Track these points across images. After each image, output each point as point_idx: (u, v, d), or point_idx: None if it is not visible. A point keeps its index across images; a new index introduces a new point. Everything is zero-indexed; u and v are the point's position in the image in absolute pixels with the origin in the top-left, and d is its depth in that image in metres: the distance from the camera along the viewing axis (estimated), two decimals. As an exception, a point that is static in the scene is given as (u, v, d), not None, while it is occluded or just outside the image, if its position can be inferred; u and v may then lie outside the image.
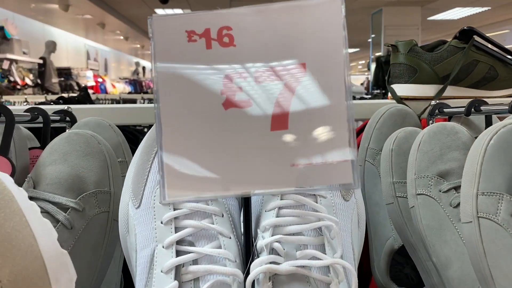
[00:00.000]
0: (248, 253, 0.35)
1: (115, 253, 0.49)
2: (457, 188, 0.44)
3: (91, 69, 6.48)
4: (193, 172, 0.28)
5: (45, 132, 0.49)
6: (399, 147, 0.54)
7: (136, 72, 9.33)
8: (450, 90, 0.69)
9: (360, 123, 0.79)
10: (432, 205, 0.46)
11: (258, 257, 0.34)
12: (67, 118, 0.56)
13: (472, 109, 0.53)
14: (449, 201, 0.44)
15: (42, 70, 5.02)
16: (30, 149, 0.49)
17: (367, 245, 0.65)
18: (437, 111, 0.61)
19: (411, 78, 0.68)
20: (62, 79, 5.40)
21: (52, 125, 0.52)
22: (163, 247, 0.35)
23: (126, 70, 9.98)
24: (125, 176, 0.41)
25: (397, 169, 0.53)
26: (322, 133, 0.28)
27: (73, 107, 0.61)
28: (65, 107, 0.58)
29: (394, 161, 0.54)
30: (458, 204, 0.43)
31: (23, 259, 0.26)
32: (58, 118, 0.55)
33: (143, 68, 10.02)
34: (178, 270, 0.34)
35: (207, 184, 0.29)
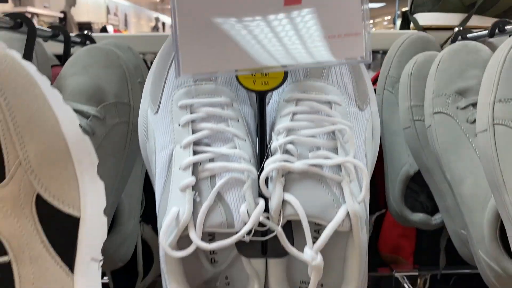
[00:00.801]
0: (262, 156, 0.36)
1: (137, 168, 0.51)
2: (474, 104, 0.44)
3: (111, 24, 6.46)
4: (206, 49, 0.29)
5: (66, 49, 0.50)
6: (418, 71, 0.53)
7: (156, 27, 9.26)
8: (475, 20, 0.67)
9: (379, 57, 0.78)
10: (449, 122, 0.46)
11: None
12: (87, 42, 0.57)
13: (496, 30, 0.51)
14: (466, 117, 0.44)
15: (63, 24, 5.03)
16: (51, 66, 0.50)
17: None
18: (459, 37, 0.60)
19: (435, 6, 0.66)
20: (83, 33, 5.40)
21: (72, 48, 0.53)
22: (180, 147, 0.36)
23: (146, 26, 9.91)
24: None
25: (415, 93, 0.53)
26: (335, 7, 0.28)
27: (93, 35, 0.62)
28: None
29: (412, 85, 0.53)
30: (475, 120, 0.42)
31: (47, 139, 0.28)
32: (78, 40, 0.55)
33: (163, 24, 9.93)
34: (195, 168, 0.35)
35: (220, 60, 0.29)
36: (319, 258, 0.32)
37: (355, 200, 0.33)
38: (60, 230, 0.28)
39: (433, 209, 0.61)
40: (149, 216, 0.59)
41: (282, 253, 0.34)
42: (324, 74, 0.38)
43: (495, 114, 0.36)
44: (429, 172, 0.53)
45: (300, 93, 0.37)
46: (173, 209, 0.34)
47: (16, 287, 0.26)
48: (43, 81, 0.28)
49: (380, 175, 0.66)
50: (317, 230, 0.37)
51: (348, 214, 0.33)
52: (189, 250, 0.33)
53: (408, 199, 0.63)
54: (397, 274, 0.71)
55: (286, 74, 0.35)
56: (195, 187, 0.34)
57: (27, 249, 0.27)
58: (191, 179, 0.34)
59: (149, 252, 0.60)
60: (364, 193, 0.34)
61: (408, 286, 0.70)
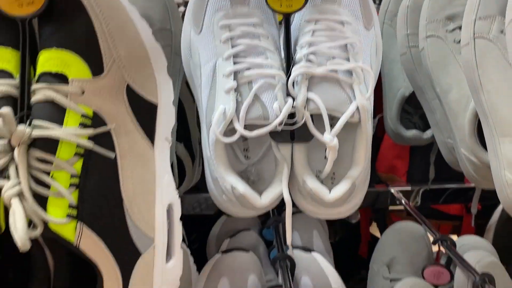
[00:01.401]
0: (288, 65, 0.45)
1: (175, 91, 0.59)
2: (461, 27, 0.53)
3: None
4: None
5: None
6: (414, 3, 0.61)
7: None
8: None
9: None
10: (439, 43, 0.54)
11: (297, 65, 0.43)
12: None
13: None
14: (454, 38, 0.53)
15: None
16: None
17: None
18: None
19: None
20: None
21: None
22: (222, 59, 0.44)
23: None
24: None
25: (411, 23, 0.61)
26: None
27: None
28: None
29: (409, 16, 0.61)
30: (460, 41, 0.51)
31: (132, 44, 0.36)
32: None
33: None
34: (235, 75, 0.43)
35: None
36: (335, 141, 0.41)
37: (363, 97, 0.43)
38: (144, 113, 0.37)
39: (424, 127, 0.71)
40: (181, 135, 0.68)
41: (307, 138, 0.43)
42: (337, 0, 0.46)
43: (476, 29, 0.45)
44: (422, 91, 0.62)
45: (318, 15, 0.45)
46: (220, 106, 0.43)
47: (116, 151, 0.35)
48: (125, 2, 0.36)
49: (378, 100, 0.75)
50: (332, 125, 0.47)
51: (357, 108, 0.42)
52: (235, 137, 0.42)
53: (403, 120, 0.72)
54: (392, 189, 0.81)
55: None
56: (236, 90, 0.43)
57: (122, 125, 0.36)
58: (233, 83, 0.43)
59: (181, 167, 0.70)
60: (370, 91, 0.43)
61: (402, 198, 0.80)
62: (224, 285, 0.60)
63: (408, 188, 0.82)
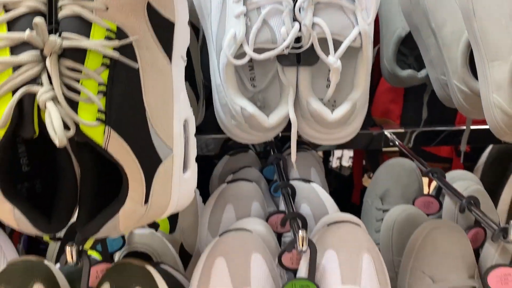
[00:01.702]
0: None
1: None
2: (457, -37, 0.55)
3: None
4: None
5: None
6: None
7: None
8: None
9: None
10: (436, -20, 0.57)
11: None
12: None
13: None
14: (450, -27, 0.55)
15: None
16: None
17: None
18: None
19: None
20: None
21: None
22: (232, -13, 0.47)
23: None
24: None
25: (409, -37, 0.64)
26: None
27: None
28: None
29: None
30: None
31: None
32: None
33: None
34: (245, 1, 0.46)
35: None
36: (338, 63, 0.45)
37: (365, 22, 0.46)
38: (162, 30, 0.40)
39: (419, 68, 0.74)
40: (186, 75, 0.71)
41: (312, 61, 0.46)
42: None
43: (471, -39, 0.48)
44: (418, 30, 0.65)
45: None
46: (231, 30, 0.45)
47: (138, 63, 0.38)
48: None
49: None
50: (335, 50, 0.50)
51: (359, 33, 0.45)
52: (245, 60, 0.45)
53: (399, 62, 0.76)
54: (386, 131, 0.85)
55: None
56: (245, 15, 0.46)
57: (143, 39, 0.38)
58: (243, 8, 0.46)
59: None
60: (372, 17, 0.46)
61: (396, 140, 0.84)
62: (230, 211, 0.64)
63: (402, 130, 0.86)
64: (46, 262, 0.51)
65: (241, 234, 0.53)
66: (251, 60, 0.50)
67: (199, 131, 0.84)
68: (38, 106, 0.36)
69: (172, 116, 0.41)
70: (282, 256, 0.54)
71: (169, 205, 0.42)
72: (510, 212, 0.80)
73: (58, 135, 0.34)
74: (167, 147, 0.41)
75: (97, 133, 0.36)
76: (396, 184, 0.73)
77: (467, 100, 0.56)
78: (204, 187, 0.84)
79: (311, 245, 0.50)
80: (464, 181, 0.68)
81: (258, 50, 0.46)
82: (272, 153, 0.79)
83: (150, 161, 0.39)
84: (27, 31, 0.35)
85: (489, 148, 0.90)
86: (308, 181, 0.69)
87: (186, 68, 0.70)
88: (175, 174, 0.42)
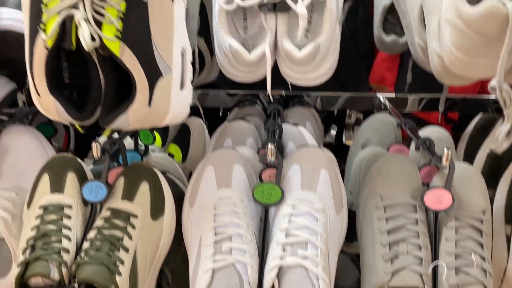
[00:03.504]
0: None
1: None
2: None
3: None
4: None
5: None
6: None
7: None
8: None
9: None
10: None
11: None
12: None
13: None
14: None
15: None
16: None
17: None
18: None
19: None
20: None
21: None
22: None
23: None
24: None
25: None
26: None
27: None
28: None
29: None
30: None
31: None
32: None
33: None
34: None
35: None
36: (304, 10, 0.57)
37: (328, -20, 0.58)
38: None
39: (402, 35, 0.84)
40: (202, 31, 0.85)
41: (284, 9, 0.59)
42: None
43: None
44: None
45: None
46: (223, -17, 0.59)
47: (148, 7, 0.52)
48: None
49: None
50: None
51: (324, -12, 0.58)
52: (233, 6, 0.58)
53: (388, 30, 0.86)
54: (379, 95, 0.96)
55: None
56: (236, -28, 0.59)
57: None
58: (234, -33, 0.59)
59: (202, 59, 0.87)
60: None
61: (387, 103, 0.95)
62: (228, 143, 0.78)
63: (392, 95, 0.96)
64: (78, 159, 0.67)
65: (228, 150, 0.67)
66: (245, 11, 0.64)
67: (216, 86, 0.99)
68: (76, 27, 0.51)
69: (172, 42, 0.55)
70: (261, 173, 0.67)
71: (168, 111, 0.56)
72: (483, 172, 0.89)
73: (87, 43, 0.49)
74: (167, 66, 0.55)
75: (115, 46, 0.51)
76: (375, 134, 0.84)
77: (423, 52, 0.67)
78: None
79: (279, 157, 0.62)
80: (433, 132, 0.78)
81: (244, 1, 0.59)
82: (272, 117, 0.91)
83: (153, 72, 0.54)
84: (72, -28, 0.50)
85: (477, 117, 0.98)
86: (296, 124, 0.82)
87: (201, 26, 0.85)
88: (173, 88, 0.56)
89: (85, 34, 0.49)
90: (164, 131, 0.93)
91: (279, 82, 0.78)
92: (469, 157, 0.90)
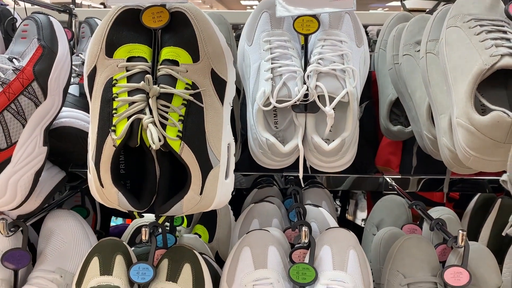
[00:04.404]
0: (305, 66, 0.71)
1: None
2: (424, 48, 0.78)
3: None
4: None
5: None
6: (399, 33, 0.87)
7: None
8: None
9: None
10: (410, 60, 0.80)
11: (311, 65, 0.69)
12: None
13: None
14: (419, 56, 0.78)
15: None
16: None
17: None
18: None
19: (416, -5, 1.00)
20: None
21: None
22: (264, 61, 0.71)
23: None
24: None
25: (396, 47, 0.87)
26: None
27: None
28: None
29: (395, 42, 0.87)
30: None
31: (216, 45, 0.63)
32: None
33: None
34: (272, 70, 0.70)
35: None
36: (332, 111, 0.67)
37: (351, 86, 0.68)
38: (219, 85, 0.63)
39: (408, 125, 0.95)
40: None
41: (315, 110, 0.68)
42: (339, 26, 0.73)
43: (427, 48, 0.70)
44: (402, 95, 0.87)
45: (325, 36, 0.72)
46: (262, 88, 0.69)
47: (203, 104, 0.61)
48: (212, 22, 0.64)
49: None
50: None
51: (347, 92, 0.68)
52: (270, 107, 0.68)
53: (393, 121, 0.97)
54: (386, 177, 1.05)
55: (319, 24, 0.70)
56: (272, 79, 0.69)
57: (207, 91, 0.62)
58: (270, 75, 0.69)
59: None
60: (356, 82, 0.68)
61: (394, 183, 1.03)
62: (255, 224, 0.84)
63: (398, 176, 1.05)
64: (124, 242, 0.73)
65: (263, 232, 0.74)
66: (275, 109, 0.73)
67: (236, 169, 1.07)
68: (141, 128, 0.59)
69: (221, 139, 0.64)
70: (292, 254, 0.73)
71: (215, 198, 0.63)
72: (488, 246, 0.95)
73: (155, 142, 0.57)
74: (216, 159, 0.63)
75: (176, 145, 0.59)
76: (389, 215, 0.92)
77: (433, 145, 0.76)
78: (236, 215, 1.05)
79: (312, 239, 0.69)
80: (441, 212, 0.86)
81: (279, 102, 0.69)
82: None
83: (205, 166, 0.61)
84: (142, 82, 0.59)
85: (476, 196, 1.07)
86: (317, 206, 0.89)
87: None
88: (220, 178, 0.64)
89: (153, 136, 0.58)
90: (189, 212, 0.99)
91: (291, 165, 0.86)
92: (472, 232, 0.98)
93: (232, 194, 0.68)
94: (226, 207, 0.98)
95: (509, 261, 0.85)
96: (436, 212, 0.87)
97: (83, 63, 0.85)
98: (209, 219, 0.95)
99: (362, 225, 1.58)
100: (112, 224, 1.22)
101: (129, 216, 1.19)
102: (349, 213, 1.62)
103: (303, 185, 0.72)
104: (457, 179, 1.07)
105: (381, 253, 0.80)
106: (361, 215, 1.70)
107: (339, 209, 1.49)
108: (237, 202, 1.10)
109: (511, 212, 0.96)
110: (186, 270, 0.69)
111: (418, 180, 1.05)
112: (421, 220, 0.88)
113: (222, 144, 0.64)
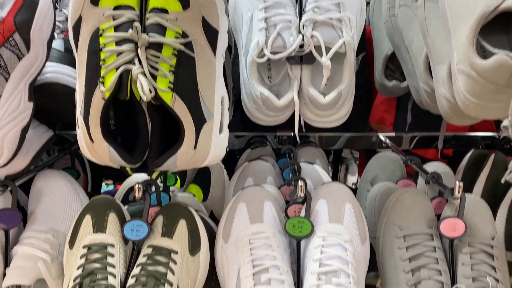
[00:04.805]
0: (301, 14, 0.68)
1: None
2: None
3: None
4: None
5: None
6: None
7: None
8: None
9: None
10: (407, 10, 0.77)
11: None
12: None
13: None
14: (416, 5, 0.76)
15: None
16: None
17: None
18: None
19: None
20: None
21: None
22: (258, 10, 0.68)
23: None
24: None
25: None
26: None
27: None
28: None
29: (390, -4, 0.85)
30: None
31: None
32: None
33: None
34: (266, 20, 0.67)
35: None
36: (328, 62, 0.65)
37: (348, 35, 0.66)
38: (211, 35, 0.60)
39: (403, 80, 0.93)
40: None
41: (311, 61, 0.66)
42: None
43: (426, -5, 0.68)
44: (398, 48, 0.85)
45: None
46: (255, 39, 0.66)
47: (195, 54, 0.59)
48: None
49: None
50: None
51: (344, 42, 0.66)
52: (264, 59, 0.66)
53: (388, 76, 0.95)
54: (380, 135, 1.04)
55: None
56: (265, 29, 0.67)
57: (198, 40, 0.59)
58: (264, 25, 0.67)
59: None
60: (353, 32, 0.66)
61: (388, 141, 1.02)
62: (249, 182, 0.83)
63: (393, 134, 1.04)
64: (117, 200, 0.71)
65: (258, 188, 0.73)
66: (269, 62, 0.71)
67: (228, 130, 1.05)
68: (130, 79, 0.57)
69: (214, 92, 0.62)
70: (287, 209, 0.73)
71: (209, 153, 0.62)
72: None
73: (145, 94, 0.55)
74: (209, 112, 0.61)
75: (168, 97, 0.57)
76: (383, 171, 0.91)
77: (430, 97, 0.75)
78: (229, 176, 1.03)
79: (307, 193, 0.68)
80: (436, 166, 0.86)
81: (273, 54, 0.66)
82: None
83: (199, 119, 0.59)
84: (130, 31, 0.56)
85: (470, 152, 1.07)
86: (312, 163, 0.88)
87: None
88: (214, 133, 0.62)
89: (144, 87, 0.55)
90: (182, 172, 0.98)
91: (283, 125, 0.85)
92: (465, 188, 0.98)
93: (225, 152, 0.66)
94: (219, 166, 0.96)
95: (501, 214, 0.85)
96: (431, 167, 0.87)
97: (67, 19, 0.82)
98: (202, 179, 0.94)
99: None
100: (103, 191, 1.21)
101: (120, 179, 1.17)
102: (340, 178, 1.62)
103: (298, 141, 0.71)
104: (451, 136, 1.07)
105: (376, 208, 0.80)
106: (351, 179, 1.71)
107: (331, 172, 1.49)
108: (230, 164, 1.09)
109: (505, 167, 0.96)
110: (182, 226, 0.68)
111: (412, 137, 1.04)
112: (415, 175, 0.88)
113: (215, 96, 0.62)
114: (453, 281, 0.66)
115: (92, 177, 1.06)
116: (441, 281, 0.64)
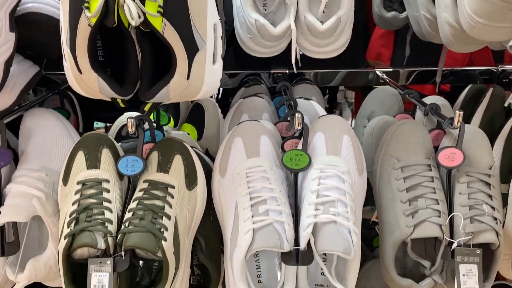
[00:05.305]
0: None
1: None
2: None
3: None
4: None
5: None
6: None
7: None
8: None
9: None
10: None
11: None
12: None
13: None
14: None
15: None
16: None
17: None
18: None
19: None
20: None
21: None
22: None
23: None
24: None
25: None
26: None
27: None
28: None
29: None
30: None
31: None
32: None
33: None
34: None
35: None
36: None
37: None
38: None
39: (402, 11, 0.90)
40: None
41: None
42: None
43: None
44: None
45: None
46: None
47: None
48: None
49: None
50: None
51: None
52: (258, -17, 0.62)
53: (386, 7, 0.91)
54: (377, 71, 1.01)
55: None
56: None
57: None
58: None
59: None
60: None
61: (385, 76, 1.00)
62: (245, 118, 0.82)
63: (390, 69, 1.02)
64: (110, 136, 0.70)
65: (254, 122, 0.71)
66: (264, -11, 0.67)
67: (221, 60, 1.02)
68: (117, 5, 0.53)
69: (206, 18, 0.58)
70: (284, 144, 0.72)
71: (203, 84, 0.60)
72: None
73: (134, 19, 0.52)
74: (202, 40, 0.58)
75: (157, 22, 0.54)
76: (380, 105, 0.90)
77: (431, 26, 0.72)
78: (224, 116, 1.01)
79: (305, 126, 0.67)
80: (434, 99, 0.84)
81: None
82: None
83: (191, 47, 0.57)
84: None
85: (467, 87, 1.05)
86: (308, 99, 0.86)
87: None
88: (207, 62, 0.59)
89: (132, 11, 0.52)
90: (175, 112, 0.96)
91: (279, 63, 0.82)
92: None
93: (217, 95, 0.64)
94: (213, 104, 0.94)
95: (498, 147, 0.85)
96: (429, 100, 0.85)
97: None
98: (196, 118, 0.92)
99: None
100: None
101: (112, 122, 1.15)
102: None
103: (295, 70, 0.68)
104: (448, 71, 1.05)
105: (374, 142, 0.79)
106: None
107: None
108: (224, 103, 1.06)
109: (502, 100, 0.95)
110: (177, 161, 0.67)
111: (409, 72, 1.02)
112: (413, 109, 0.86)
113: (207, 23, 0.59)
114: (450, 210, 0.66)
115: (83, 119, 1.04)
116: (438, 209, 0.64)
